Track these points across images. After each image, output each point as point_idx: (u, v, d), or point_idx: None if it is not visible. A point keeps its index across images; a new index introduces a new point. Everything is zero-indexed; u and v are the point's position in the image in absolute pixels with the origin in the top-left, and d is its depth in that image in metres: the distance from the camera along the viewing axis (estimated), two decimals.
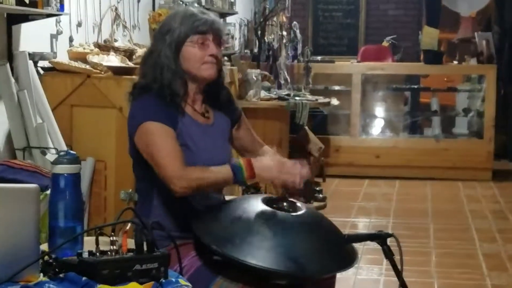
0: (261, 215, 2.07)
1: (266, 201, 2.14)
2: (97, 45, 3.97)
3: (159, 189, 2.20)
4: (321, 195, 5.70)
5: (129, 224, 1.73)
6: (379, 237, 2.12)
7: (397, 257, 2.09)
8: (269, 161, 2.15)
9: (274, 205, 2.13)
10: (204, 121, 2.31)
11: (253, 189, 4.75)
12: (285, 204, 2.16)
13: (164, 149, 2.12)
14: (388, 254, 2.09)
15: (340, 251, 2.12)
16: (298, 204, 2.18)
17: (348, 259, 2.11)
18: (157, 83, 2.22)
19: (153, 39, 2.34)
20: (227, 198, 2.42)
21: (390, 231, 2.20)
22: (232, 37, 6.46)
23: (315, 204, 5.48)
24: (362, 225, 5.24)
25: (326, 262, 2.05)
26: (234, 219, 2.07)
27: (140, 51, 4.04)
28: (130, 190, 3.42)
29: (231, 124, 2.41)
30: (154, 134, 2.14)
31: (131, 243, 1.71)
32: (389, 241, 2.10)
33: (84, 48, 3.86)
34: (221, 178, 2.13)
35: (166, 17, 2.36)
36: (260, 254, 1.96)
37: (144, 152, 2.17)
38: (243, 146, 2.44)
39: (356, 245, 2.21)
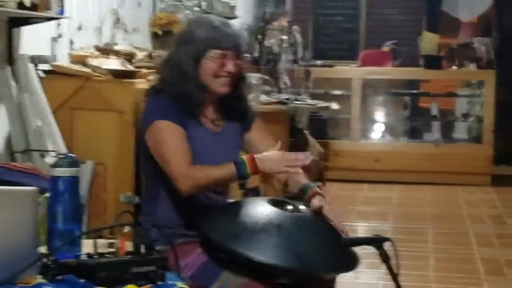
0: (267, 213, 2.11)
1: (271, 202, 2.17)
2: (97, 48, 3.98)
3: (167, 187, 2.23)
4: None
5: (128, 227, 1.74)
6: (376, 241, 2.14)
7: (394, 262, 2.09)
8: (272, 155, 2.18)
9: (279, 206, 2.16)
10: (214, 128, 2.34)
11: (253, 192, 4.76)
12: (289, 205, 2.19)
13: (173, 148, 2.17)
14: (384, 258, 2.11)
15: (344, 252, 2.15)
16: (301, 206, 2.21)
17: (352, 261, 2.14)
18: (175, 89, 2.24)
19: (175, 44, 2.35)
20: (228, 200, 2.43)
21: (389, 235, 2.21)
22: None
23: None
24: (362, 229, 5.24)
25: (332, 262, 2.08)
26: (241, 216, 2.11)
27: (140, 55, 4.04)
28: (130, 193, 3.45)
29: (243, 128, 2.41)
30: (165, 132, 2.19)
31: (129, 246, 1.72)
32: (387, 245, 2.11)
33: (84, 51, 3.86)
34: (225, 174, 2.17)
35: (188, 24, 2.40)
36: (266, 251, 1.99)
37: (154, 149, 2.21)
38: (256, 147, 2.40)
39: (355, 249, 2.22)
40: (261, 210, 2.12)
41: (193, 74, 2.25)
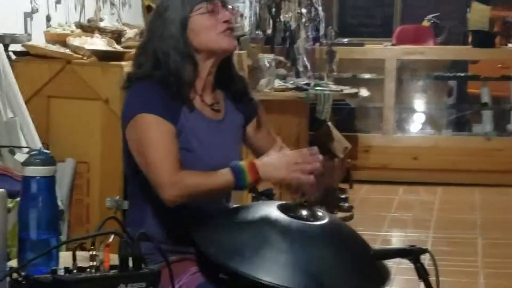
0: (276, 224, 2.08)
1: (281, 208, 2.14)
2: (79, 25, 3.98)
3: (154, 193, 2.22)
4: (347, 204, 5.73)
5: (112, 236, 1.75)
6: (411, 253, 2.11)
7: (434, 278, 2.08)
8: (274, 159, 2.17)
9: (291, 213, 2.13)
10: (213, 115, 2.34)
11: (265, 196, 4.76)
12: (304, 212, 2.16)
13: (157, 147, 2.16)
14: (422, 273, 2.10)
15: (369, 269, 2.12)
16: (320, 212, 2.19)
17: (378, 279, 2.11)
18: (160, 70, 2.25)
19: (150, 23, 2.37)
20: (234, 205, 2.43)
21: (428, 247, 2.19)
22: (242, 15, 6.46)
23: (340, 214, 5.49)
24: (396, 239, 5.27)
25: (352, 282, 2.05)
26: (244, 228, 2.10)
27: (130, 33, 4.06)
28: (118, 197, 3.46)
29: (244, 119, 2.43)
30: (149, 128, 2.18)
31: (114, 259, 1.72)
32: (425, 258, 2.11)
33: (63, 29, 3.87)
34: (220, 183, 2.16)
35: None
36: (274, 270, 1.96)
37: (135, 149, 2.21)
38: (259, 148, 2.43)
39: (389, 263, 2.21)
40: (269, 218, 2.09)
41: (182, 43, 2.25)
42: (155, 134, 2.18)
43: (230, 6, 2.36)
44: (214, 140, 2.30)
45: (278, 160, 2.16)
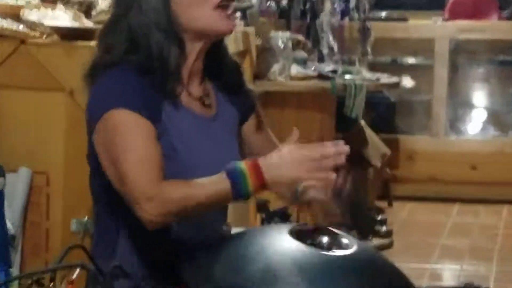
0: (289, 254, 2.08)
1: (295, 234, 2.13)
2: None
3: (128, 215, 2.20)
4: (384, 228, 5.69)
5: (78, 270, 1.76)
6: None
7: None
8: (284, 155, 2.13)
9: (309, 240, 2.13)
10: (203, 111, 2.36)
11: (279, 217, 4.75)
12: (325, 238, 2.16)
13: (133, 153, 2.16)
14: None
15: None
16: (346, 238, 2.17)
17: None
18: (137, 54, 2.25)
19: None
20: (236, 230, 2.42)
21: (490, 284, 2.20)
22: None
23: (376, 241, 5.47)
24: (449, 273, 5.25)
25: None
26: (247, 260, 2.08)
27: (103, 4, 4.01)
28: (86, 218, 3.39)
29: (239, 117, 2.46)
30: (123, 129, 2.18)
31: None
32: None
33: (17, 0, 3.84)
34: (213, 194, 2.13)
35: None
36: None
37: (105, 157, 2.21)
38: (254, 154, 2.41)
39: None
40: (280, 248, 2.09)
41: (165, 18, 2.25)
42: (131, 135, 2.18)
43: None
44: (204, 144, 2.32)
45: (290, 156, 2.12)
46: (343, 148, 2.12)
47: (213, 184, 2.13)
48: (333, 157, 2.12)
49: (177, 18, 2.27)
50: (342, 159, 2.12)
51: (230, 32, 2.33)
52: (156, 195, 2.11)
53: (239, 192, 2.12)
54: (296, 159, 2.12)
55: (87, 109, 2.28)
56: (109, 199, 2.27)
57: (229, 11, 2.30)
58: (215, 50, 2.37)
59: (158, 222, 2.13)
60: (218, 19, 2.28)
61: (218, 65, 2.40)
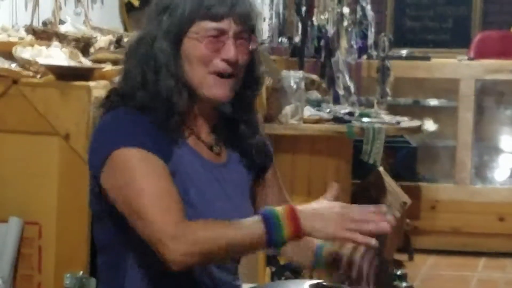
0: None
1: None
2: (31, 30, 4.04)
3: (137, 262, 2.29)
4: (404, 284, 5.71)
5: None
6: None
7: None
8: (324, 208, 2.17)
9: None
10: (211, 157, 2.40)
11: (290, 271, 4.81)
12: None
13: (151, 192, 2.18)
14: None
15: None
16: None
17: None
18: (146, 92, 2.30)
19: (146, 18, 2.38)
20: (247, 286, 2.52)
21: None
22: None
23: None
24: None
25: None
26: None
27: (102, 41, 4.10)
28: (81, 272, 3.46)
29: (254, 175, 2.49)
30: (136, 166, 2.21)
31: None
32: None
33: (9, 35, 3.93)
34: (246, 237, 2.15)
35: None
36: None
37: (118, 197, 2.23)
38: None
39: None
40: None
41: (173, 63, 2.28)
42: (145, 172, 2.20)
43: (254, 31, 2.36)
44: (217, 189, 2.36)
45: (329, 211, 2.16)
46: (388, 217, 2.16)
47: (245, 227, 2.16)
48: (375, 222, 2.15)
49: (183, 67, 2.31)
50: (386, 228, 2.16)
51: (222, 99, 2.35)
52: (183, 235, 2.14)
53: (272, 237, 2.15)
54: (336, 214, 2.15)
55: (91, 150, 2.32)
56: (117, 244, 2.31)
57: (224, 81, 2.32)
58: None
59: (183, 262, 2.14)
60: (212, 84, 2.32)
61: (242, 144, 2.44)
